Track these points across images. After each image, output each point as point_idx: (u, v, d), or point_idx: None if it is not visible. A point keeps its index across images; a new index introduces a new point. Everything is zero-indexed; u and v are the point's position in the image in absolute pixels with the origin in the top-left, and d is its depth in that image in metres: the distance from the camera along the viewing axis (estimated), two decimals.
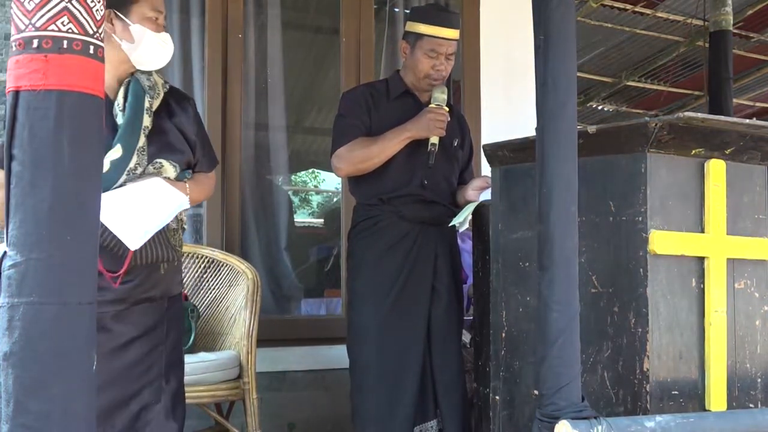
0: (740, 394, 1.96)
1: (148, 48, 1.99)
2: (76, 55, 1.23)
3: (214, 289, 3.27)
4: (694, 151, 1.91)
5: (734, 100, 5.34)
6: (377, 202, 2.56)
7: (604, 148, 1.91)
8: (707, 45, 4.43)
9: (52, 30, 1.22)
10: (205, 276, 3.28)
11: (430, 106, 2.54)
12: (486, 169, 2.79)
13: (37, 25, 1.22)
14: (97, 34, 1.26)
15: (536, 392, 1.98)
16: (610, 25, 5.80)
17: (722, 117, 1.88)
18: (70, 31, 1.23)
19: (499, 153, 2.17)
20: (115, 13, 1.96)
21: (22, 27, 1.23)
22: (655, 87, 7.11)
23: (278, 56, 4.01)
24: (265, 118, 4.02)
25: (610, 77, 6.93)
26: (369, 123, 2.59)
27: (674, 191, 1.89)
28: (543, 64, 1.63)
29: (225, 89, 3.61)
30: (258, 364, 2.97)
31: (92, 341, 1.25)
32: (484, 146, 2.22)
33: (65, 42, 1.22)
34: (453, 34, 2.56)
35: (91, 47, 1.25)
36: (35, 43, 1.21)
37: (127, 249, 1.89)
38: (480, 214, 2.42)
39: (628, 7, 5.56)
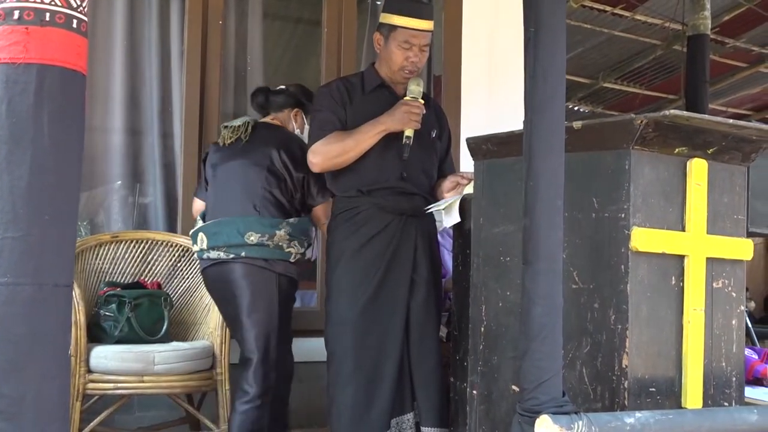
0: (715, 392, 1.98)
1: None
2: (58, 28, 1.19)
3: (188, 278, 3.23)
4: (677, 150, 1.92)
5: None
6: (357, 194, 2.54)
7: (588, 144, 1.90)
8: (685, 49, 4.48)
9: (34, 1, 1.18)
10: (179, 265, 3.23)
11: (405, 98, 2.52)
12: (465, 162, 2.78)
13: None
14: (81, 8, 1.23)
15: (514, 387, 1.98)
16: (589, 26, 5.84)
17: (706, 116, 1.89)
18: (53, 3, 1.19)
19: (482, 146, 2.16)
20: (302, 113, 3.00)
21: None
22: (631, 89, 7.18)
23: (258, 45, 3.97)
24: (243, 107, 3.97)
25: (587, 78, 6.99)
26: (345, 117, 2.56)
27: (657, 189, 1.89)
28: (532, 56, 1.62)
29: (204, 76, 3.56)
30: (231, 355, 2.93)
31: (67, 324, 1.22)
32: (468, 139, 2.21)
33: (47, 14, 1.19)
34: (426, 25, 2.54)
35: (75, 21, 1.22)
36: (16, 14, 1.17)
37: None
38: (462, 207, 2.41)
39: (608, 8, 5.61)
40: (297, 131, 2.95)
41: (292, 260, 2.72)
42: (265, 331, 2.66)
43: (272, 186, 2.73)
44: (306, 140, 2.78)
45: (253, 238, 2.64)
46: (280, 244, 2.67)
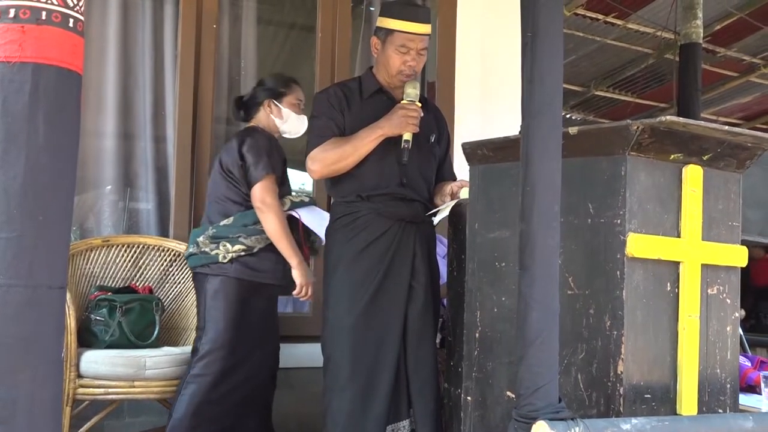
0: (710, 399, 1.97)
1: (291, 124, 3.04)
2: (54, 27, 1.18)
3: (179, 283, 3.21)
4: (672, 156, 1.92)
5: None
6: (356, 199, 2.52)
7: (584, 150, 1.90)
8: (677, 57, 4.50)
9: (31, 0, 1.16)
10: (170, 269, 3.21)
11: (402, 102, 2.51)
12: (459, 167, 2.77)
13: None
14: (78, 7, 1.21)
15: (509, 393, 1.97)
16: (581, 34, 5.86)
17: (702, 122, 1.89)
18: (49, 1, 1.17)
19: (478, 151, 2.15)
20: (273, 102, 3.02)
21: None
22: (622, 97, 7.21)
23: (252, 49, 3.96)
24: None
25: (579, 86, 7.01)
26: (343, 123, 2.55)
27: (652, 195, 1.89)
28: (530, 61, 1.61)
29: (197, 80, 3.54)
30: None
31: (61, 327, 1.20)
32: (464, 144, 2.20)
33: (44, 13, 1.17)
34: (424, 29, 2.53)
35: (71, 20, 1.20)
36: (12, 12, 1.16)
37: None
38: (457, 212, 2.41)
39: (600, 17, 5.63)
40: (279, 121, 3.03)
41: (222, 260, 2.76)
42: (200, 333, 2.74)
43: (213, 193, 2.90)
44: (288, 125, 3.03)
45: (191, 249, 2.85)
46: (204, 249, 2.78)
